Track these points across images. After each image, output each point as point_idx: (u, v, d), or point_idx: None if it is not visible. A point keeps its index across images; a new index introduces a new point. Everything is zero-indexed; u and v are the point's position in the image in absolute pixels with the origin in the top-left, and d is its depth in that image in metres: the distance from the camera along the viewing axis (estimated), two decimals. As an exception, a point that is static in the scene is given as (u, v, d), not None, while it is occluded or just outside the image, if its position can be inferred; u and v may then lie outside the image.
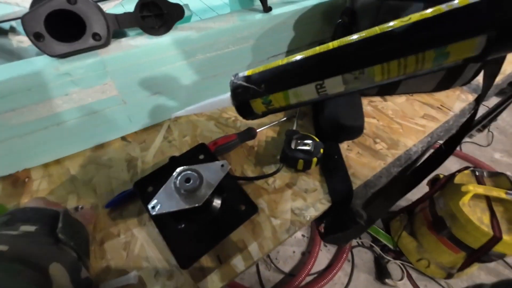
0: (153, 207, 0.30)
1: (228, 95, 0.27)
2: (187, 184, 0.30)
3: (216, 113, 0.51)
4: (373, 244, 1.18)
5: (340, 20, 0.46)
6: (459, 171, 0.93)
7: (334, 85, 0.22)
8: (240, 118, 0.49)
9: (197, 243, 0.33)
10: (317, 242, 1.16)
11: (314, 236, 1.19)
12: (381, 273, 1.10)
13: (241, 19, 0.44)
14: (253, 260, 0.32)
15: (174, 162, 0.41)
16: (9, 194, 0.40)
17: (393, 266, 1.12)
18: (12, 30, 0.45)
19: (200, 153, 0.41)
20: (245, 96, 0.25)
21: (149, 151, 0.45)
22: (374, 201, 0.43)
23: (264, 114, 0.27)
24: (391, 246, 1.15)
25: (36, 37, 0.33)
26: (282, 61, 0.25)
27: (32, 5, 0.34)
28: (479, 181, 0.88)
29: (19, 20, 0.43)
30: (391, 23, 0.20)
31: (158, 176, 0.38)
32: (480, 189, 0.83)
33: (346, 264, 1.15)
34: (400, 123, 0.47)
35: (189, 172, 0.31)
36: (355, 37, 0.21)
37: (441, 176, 0.99)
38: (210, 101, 0.29)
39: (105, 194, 0.39)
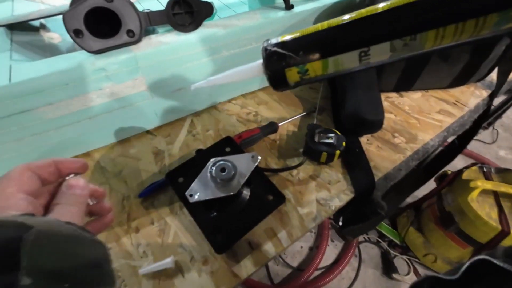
0: (191, 195, 0.32)
1: (257, 63, 0.25)
2: (223, 174, 0.32)
3: (237, 108, 0.53)
4: (379, 240, 1.19)
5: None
6: (467, 167, 0.95)
7: (380, 52, 0.20)
8: (260, 113, 0.51)
9: (230, 231, 0.34)
10: (324, 237, 1.18)
11: (321, 231, 1.21)
12: (388, 268, 1.11)
13: (264, 17, 0.45)
14: (283, 247, 0.34)
15: (201, 154, 0.42)
16: (43, 185, 0.41)
17: (400, 261, 1.14)
18: (43, 27, 0.47)
19: (227, 146, 0.42)
20: (280, 64, 0.23)
21: (175, 144, 0.47)
22: (388, 195, 0.45)
23: (296, 85, 0.25)
24: (397, 242, 1.16)
25: (75, 34, 0.35)
26: (322, 25, 0.22)
27: (72, 3, 0.36)
28: (487, 177, 0.90)
29: (48, 18, 0.45)
30: None
31: (188, 168, 0.40)
32: (489, 185, 0.84)
33: (353, 259, 1.16)
34: (417, 118, 0.49)
35: (223, 162, 0.33)
36: None
37: (449, 172, 1.01)
38: (236, 70, 0.27)
39: (136, 185, 0.41)
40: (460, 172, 0.95)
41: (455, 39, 0.19)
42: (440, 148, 0.58)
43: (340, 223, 0.48)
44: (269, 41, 0.24)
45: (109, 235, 0.36)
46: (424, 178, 0.69)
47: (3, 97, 0.33)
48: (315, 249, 1.17)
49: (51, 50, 0.44)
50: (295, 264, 1.15)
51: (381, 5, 0.20)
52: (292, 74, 0.23)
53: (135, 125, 0.46)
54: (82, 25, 0.35)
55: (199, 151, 0.43)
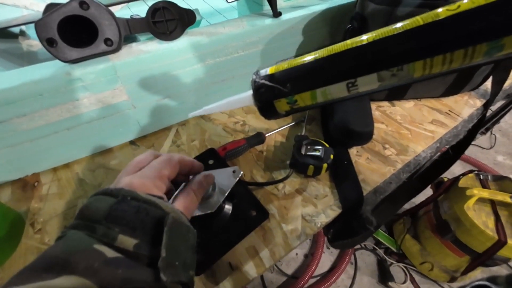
0: (166, 214, 0.30)
1: (248, 93, 0.25)
2: (200, 191, 0.30)
3: (224, 117, 0.51)
4: (376, 247, 1.18)
5: (349, 26, 0.46)
6: (464, 174, 0.93)
7: (368, 82, 0.21)
8: (248, 122, 0.49)
9: (209, 250, 0.33)
10: (320, 244, 1.16)
11: (317, 238, 1.19)
12: (384, 276, 1.09)
13: (250, 24, 0.44)
14: (265, 267, 0.32)
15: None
16: (19, 198, 0.40)
17: (396, 269, 1.12)
18: (22, 33, 0.46)
19: (210, 158, 0.41)
20: (269, 96, 0.24)
21: (158, 155, 0.45)
22: (381, 205, 0.43)
23: (287, 114, 0.26)
24: (394, 249, 1.15)
25: (49, 43, 0.33)
26: (308, 56, 0.23)
27: (45, 11, 0.34)
28: (484, 185, 0.88)
29: (29, 24, 0.43)
30: (438, 11, 0.18)
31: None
32: (485, 193, 0.83)
33: (349, 266, 1.15)
34: (408, 129, 0.47)
35: (201, 178, 0.31)
36: (395, 27, 0.19)
37: (445, 179, 0.99)
38: (229, 100, 0.27)
39: (115, 199, 0.39)
40: (456, 179, 0.94)
41: (445, 68, 0.19)
42: (434, 158, 0.56)
43: (329, 236, 0.46)
44: (258, 73, 0.25)
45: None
46: (418, 188, 0.67)
47: (-28, 109, 0.32)
48: (310, 256, 1.15)
49: (29, 58, 0.42)
50: (289, 271, 1.13)
51: (365, 37, 0.20)
52: (282, 104, 0.24)
53: (117, 136, 0.45)
54: (56, 33, 0.33)
55: (182, 163, 0.42)
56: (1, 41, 0.42)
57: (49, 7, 0.35)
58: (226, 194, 0.32)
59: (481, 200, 0.84)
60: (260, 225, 0.35)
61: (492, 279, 0.27)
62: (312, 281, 1.09)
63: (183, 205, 0.23)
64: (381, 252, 1.16)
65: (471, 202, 0.83)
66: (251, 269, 0.32)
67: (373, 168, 0.42)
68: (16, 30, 0.45)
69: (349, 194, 0.38)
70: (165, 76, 0.42)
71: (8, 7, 0.54)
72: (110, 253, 0.17)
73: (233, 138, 0.47)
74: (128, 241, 0.17)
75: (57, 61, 0.35)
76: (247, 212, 0.36)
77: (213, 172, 0.33)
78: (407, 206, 1.17)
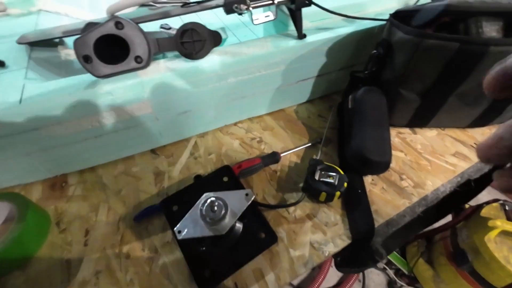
0: (179, 232, 0.32)
1: None
2: (213, 213, 0.31)
3: (242, 132, 0.52)
4: (386, 267, 1.15)
5: (375, 51, 0.45)
6: (487, 203, 0.89)
7: None
8: (265, 139, 0.50)
9: (217, 268, 0.34)
10: (328, 258, 1.15)
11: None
12: (393, 298, 1.06)
13: (274, 46, 0.45)
14: (269, 291, 0.33)
15: (199, 182, 0.42)
16: (48, 197, 0.43)
17: (406, 292, 1.09)
18: (61, 43, 0.49)
19: (225, 175, 0.42)
20: None
21: (176, 166, 0.47)
22: (392, 236, 0.42)
23: None
24: (405, 271, 1.11)
25: (85, 60, 0.35)
26: None
27: (83, 29, 0.37)
28: (509, 216, 0.83)
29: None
30: None
31: (183, 196, 0.40)
32: (509, 226, 0.78)
33: (357, 284, 1.12)
34: (429, 160, 0.46)
35: (215, 200, 0.32)
36: None
37: (467, 206, 0.95)
38: None
39: (133, 206, 0.42)
40: (479, 207, 0.89)
41: None
42: (455, 187, 0.54)
43: (337, 259, 0.46)
44: None
45: (101, 258, 0.36)
46: (435, 217, 0.65)
47: (13, 116, 0.35)
48: (317, 269, 1.14)
49: (66, 67, 0.45)
50: (295, 282, 1.13)
51: None
52: None
53: (139, 144, 0.47)
54: (92, 51, 0.35)
55: (197, 177, 0.43)
56: (42, 50, 0.46)
57: (88, 26, 0.37)
58: (237, 217, 0.33)
59: (504, 233, 0.79)
60: (268, 249, 0.36)
61: None
62: (317, 294, 1.08)
63: None
64: (391, 272, 1.13)
65: (493, 234, 0.78)
66: (255, 292, 0.33)
67: (387, 199, 0.41)
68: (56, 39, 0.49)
69: (360, 225, 0.38)
70: (188, 92, 0.43)
71: (50, 14, 0.59)
72: None
73: (248, 155, 0.48)
74: None
75: (89, 75, 0.38)
76: (256, 234, 0.37)
77: (226, 194, 0.34)
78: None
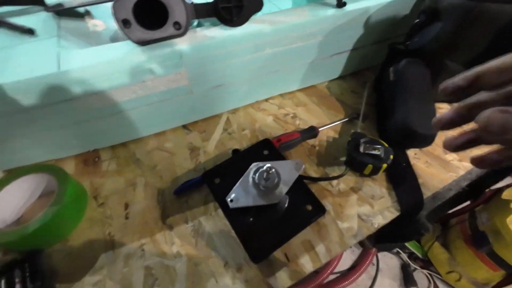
0: (231, 200, 0.31)
1: None
2: (267, 182, 0.30)
3: (274, 108, 0.51)
4: (400, 251, 1.15)
5: (417, 20, 0.43)
6: (508, 185, 0.88)
7: None
8: (299, 115, 0.49)
9: (266, 239, 0.33)
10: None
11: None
12: (407, 280, 1.07)
13: (313, 14, 0.42)
14: (321, 262, 0.32)
15: (238, 156, 0.41)
16: (81, 172, 0.42)
17: (420, 275, 1.10)
18: (87, 13, 0.47)
19: (265, 149, 0.41)
20: None
21: (210, 141, 0.46)
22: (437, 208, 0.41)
23: None
24: (419, 255, 1.12)
25: (124, 23, 0.34)
26: None
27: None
28: (530, 198, 0.83)
29: (94, 5, 0.44)
30: None
31: (224, 169, 0.39)
32: (532, 208, 0.78)
33: (371, 267, 1.13)
34: (471, 134, 0.45)
35: (268, 169, 0.31)
36: None
37: (487, 190, 0.94)
38: None
39: (171, 180, 0.41)
40: (499, 190, 0.88)
41: None
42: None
43: (371, 239, 0.45)
44: None
45: (144, 230, 0.36)
46: (467, 196, 0.64)
47: (51, 85, 0.33)
48: (331, 253, 1.15)
49: (95, 38, 0.43)
50: (309, 266, 1.14)
51: None
52: None
53: (172, 119, 0.46)
54: (131, 15, 0.34)
55: (235, 151, 0.42)
56: (70, 20, 0.43)
57: (125, -12, 0.35)
58: (289, 187, 0.32)
59: (526, 214, 0.79)
60: (316, 221, 0.35)
61: None
62: (332, 277, 1.09)
63: None
64: (405, 256, 1.14)
65: (515, 215, 0.78)
66: (307, 263, 0.32)
67: (433, 172, 0.40)
68: (81, 10, 0.47)
69: (408, 197, 0.37)
70: (224, 64, 0.42)
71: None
72: None
73: (283, 130, 0.47)
74: None
75: (127, 43, 0.36)
76: (303, 206, 0.36)
77: (275, 164, 0.33)
78: (437, 212, 1.12)
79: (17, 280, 0.31)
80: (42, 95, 0.34)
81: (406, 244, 1.13)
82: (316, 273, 1.08)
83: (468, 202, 0.97)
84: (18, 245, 0.33)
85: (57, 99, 0.35)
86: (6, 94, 0.32)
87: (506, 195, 0.84)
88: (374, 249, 1.13)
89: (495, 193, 0.89)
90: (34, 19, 0.42)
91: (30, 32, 0.39)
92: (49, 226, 0.32)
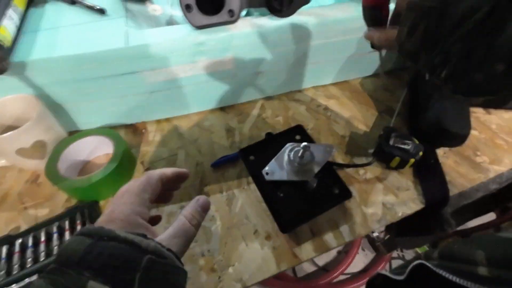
0: (267, 173, 0.34)
1: None
2: (302, 159, 0.33)
3: (307, 99, 0.53)
4: (415, 260, 1.13)
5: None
6: (540, 204, 0.84)
7: None
8: (331, 107, 0.51)
9: (295, 213, 0.36)
10: (356, 243, 1.15)
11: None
12: (420, 290, 1.06)
13: (357, 10, 0.44)
14: (344, 240, 0.35)
15: (272, 138, 0.44)
16: (131, 140, 0.47)
17: (434, 287, 1.08)
18: (148, -1, 0.52)
19: (297, 134, 0.44)
20: None
21: (245, 124, 0.49)
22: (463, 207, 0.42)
23: None
24: (435, 267, 1.09)
25: (187, 8, 0.38)
26: None
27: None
28: None
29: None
30: None
31: (259, 148, 0.42)
32: None
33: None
34: (505, 140, 0.45)
35: (302, 148, 0.34)
36: None
37: (515, 206, 0.90)
38: None
39: (209, 154, 0.44)
40: (529, 208, 0.85)
41: None
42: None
43: (388, 235, 0.47)
44: None
45: (184, 194, 0.40)
46: (490, 206, 0.63)
47: (119, 57, 0.38)
48: (344, 254, 1.15)
49: (154, 21, 0.48)
50: (321, 263, 1.15)
51: None
52: None
53: (213, 100, 0.50)
54: (193, 0, 0.38)
55: (269, 134, 0.45)
56: (134, 3, 0.49)
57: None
58: (320, 167, 0.35)
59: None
60: (341, 203, 0.37)
61: (428, 255, 0.28)
62: (342, 277, 1.10)
63: (170, 239, 0.20)
64: (420, 266, 1.12)
65: (544, 235, 0.75)
66: (331, 239, 0.35)
67: (461, 172, 0.41)
68: (142, -5, 0.52)
69: (434, 191, 0.38)
70: (267, 52, 0.45)
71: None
72: None
73: (315, 120, 0.49)
74: None
75: (185, 26, 0.40)
76: (330, 189, 0.38)
77: (310, 145, 0.36)
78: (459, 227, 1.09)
79: (78, 222, 0.36)
80: (111, 65, 0.39)
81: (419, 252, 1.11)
82: (326, 271, 1.09)
83: (494, 217, 0.94)
84: (81, 193, 0.38)
85: (123, 71, 0.40)
86: (83, 63, 0.37)
87: (536, 213, 0.81)
88: (388, 255, 1.12)
89: (524, 211, 0.85)
90: (104, 1, 0.47)
91: (101, 11, 0.44)
92: (108, 179, 0.37)
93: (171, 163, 0.44)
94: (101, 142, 0.42)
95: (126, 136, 0.48)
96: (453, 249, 0.26)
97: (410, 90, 0.51)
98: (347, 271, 1.11)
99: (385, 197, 0.39)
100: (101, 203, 0.39)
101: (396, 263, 1.14)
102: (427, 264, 0.25)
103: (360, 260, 1.16)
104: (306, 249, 0.34)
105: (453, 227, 0.39)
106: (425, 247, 1.10)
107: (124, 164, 0.40)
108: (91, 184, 0.36)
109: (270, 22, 0.42)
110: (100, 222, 0.20)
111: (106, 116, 0.46)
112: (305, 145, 0.34)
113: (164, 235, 0.21)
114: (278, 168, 0.35)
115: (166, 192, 0.27)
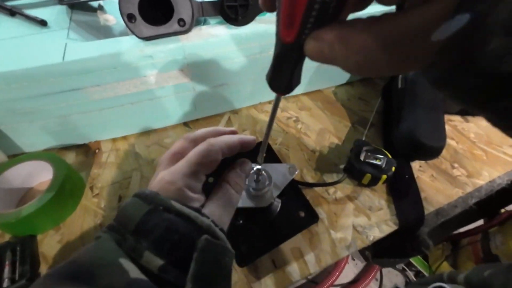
0: (219, 201, 0.30)
1: None
2: (256, 184, 0.30)
3: (277, 112, 0.50)
4: (406, 268, 1.10)
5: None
6: (527, 208, 0.82)
7: None
8: (302, 119, 0.48)
9: (255, 243, 0.32)
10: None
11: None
12: (411, 300, 1.02)
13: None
14: (309, 272, 0.31)
15: (236, 155, 0.40)
16: (82, 162, 0.43)
17: (426, 296, 1.04)
18: (100, 8, 0.48)
19: (261, 151, 0.40)
20: None
21: (209, 140, 0.45)
22: (438, 229, 0.39)
23: None
24: (426, 274, 1.06)
25: (129, 18, 0.34)
26: None
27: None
28: (551, 224, 0.77)
29: (106, 0, 0.45)
30: None
31: (220, 168, 0.38)
32: (552, 234, 0.72)
33: (374, 283, 1.09)
34: (484, 150, 0.42)
35: (258, 171, 0.30)
36: None
37: (502, 210, 0.88)
38: None
39: (166, 176, 0.40)
40: (516, 212, 0.83)
41: None
42: (503, 185, 0.50)
43: (367, 252, 0.43)
44: None
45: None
46: (476, 216, 0.60)
47: (56, 74, 0.34)
48: (333, 265, 1.12)
49: (105, 32, 0.44)
50: (310, 275, 1.11)
51: None
52: None
53: (174, 116, 0.46)
54: (136, 10, 0.34)
55: (232, 151, 0.41)
56: (82, 14, 0.45)
57: (133, -16, 0.35)
58: (280, 191, 0.31)
59: (545, 240, 0.73)
60: (307, 228, 0.34)
61: (453, 278, 0.23)
62: (332, 289, 1.06)
63: (218, 211, 0.20)
64: (411, 274, 1.09)
65: (532, 241, 0.73)
66: (294, 271, 0.31)
67: (438, 187, 0.38)
68: (95, 4, 0.48)
69: (408, 212, 0.35)
70: (228, 63, 0.41)
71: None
72: (134, 272, 0.15)
73: (284, 133, 0.46)
74: (154, 261, 0.16)
75: (132, 37, 0.37)
76: (295, 212, 0.35)
77: (269, 167, 0.32)
78: (448, 231, 1.07)
79: (7, 262, 0.32)
80: (47, 83, 0.35)
81: (413, 261, 1.08)
82: (315, 283, 1.05)
83: (481, 222, 0.91)
84: (12, 228, 0.33)
85: (62, 88, 0.35)
86: (13, 81, 0.33)
87: (523, 218, 0.79)
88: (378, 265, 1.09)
89: (511, 215, 0.83)
90: (49, 11, 0.43)
91: (43, 23, 0.40)
92: (43, 211, 0.33)
93: (124, 188, 0.39)
94: (41, 167, 0.37)
95: (77, 158, 0.43)
96: (483, 276, 0.21)
97: (384, 100, 0.48)
98: (337, 282, 1.07)
99: (356, 219, 0.35)
100: (39, 237, 0.35)
101: (386, 271, 1.11)
102: None
103: (350, 270, 1.13)
104: (267, 285, 0.30)
105: (431, 248, 0.35)
106: (422, 261, 1.07)
107: (65, 192, 0.35)
108: (22, 218, 0.31)
109: (226, 31, 0.39)
110: (152, 187, 0.19)
111: (52, 136, 0.42)
112: (258, 168, 0.30)
113: (212, 207, 0.20)
114: (232, 194, 0.31)
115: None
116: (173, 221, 0.17)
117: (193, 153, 0.20)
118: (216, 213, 0.19)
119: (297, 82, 0.18)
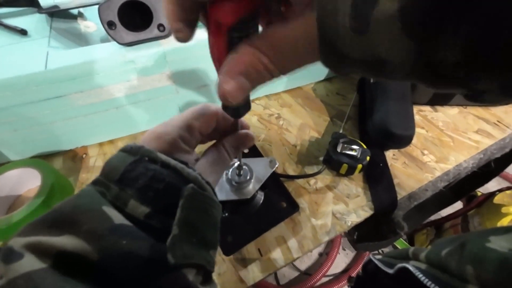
0: (205, 196, 0.32)
1: None
2: (238, 178, 0.31)
3: (259, 108, 0.52)
4: (394, 254, 1.15)
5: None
6: (501, 190, 0.88)
7: None
8: (283, 115, 0.50)
9: (240, 233, 0.34)
10: (336, 244, 1.15)
11: (333, 238, 1.18)
12: (400, 284, 1.07)
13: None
14: (293, 258, 0.33)
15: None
16: (69, 167, 0.43)
17: (414, 280, 1.09)
18: (80, 15, 0.49)
19: (245, 147, 0.42)
20: None
21: (195, 140, 0.47)
22: (411, 212, 0.42)
23: None
24: (413, 259, 1.11)
25: (109, 25, 0.35)
26: None
27: (106, -4, 0.36)
28: (522, 203, 0.82)
29: (86, 7, 0.46)
30: None
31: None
32: (523, 212, 0.77)
33: (364, 270, 1.13)
34: (451, 136, 0.45)
35: (240, 165, 0.32)
36: None
37: (479, 193, 0.94)
38: None
39: (154, 177, 0.42)
40: (492, 194, 0.88)
41: None
42: (473, 169, 0.53)
43: (354, 237, 0.46)
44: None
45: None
46: (451, 199, 0.64)
47: (39, 82, 0.35)
48: (325, 255, 1.15)
49: (86, 39, 0.45)
50: (303, 267, 1.14)
51: None
52: None
53: (159, 118, 0.47)
54: (116, 17, 0.35)
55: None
56: (62, 21, 0.45)
57: (111, -8, 0.37)
58: (261, 183, 0.33)
59: (517, 219, 0.78)
60: (290, 217, 0.36)
61: (416, 254, 0.25)
62: (324, 279, 1.09)
63: (208, 167, 0.20)
64: (399, 260, 1.13)
65: (506, 220, 0.78)
66: (279, 258, 0.33)
67: (410, 173, 0.41)
68: (74, 11, 0.49)
69: (383, 197, 0.38)
70: (209, 64, 0.43)
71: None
72: (118, 218, 0.15)
73: (267, 130, 0.48)
74: (139, 209, 0.15)
75: (114, 43, 0.38)
76: (278, 203, 0.37)
77: (250, 161, 0.34)
78: (432, 217, 1.12)
79: None
80: (30, 92, 0.35)
81: (398, 246, 1.13)
82: (308, 275, 1.08)
83: (461, 206, 0.97)
84: (2, 234, 0.34)
85: (46, 96, 0.36)
86: (-4, 90, 0.34)
87: (498, 199, 0.84)
88: (367, 252, 1.13)
89: (487, 198, 0.88)
90: (28, 20, 0.44)
91: (23, 32, 0.41)
92: (33, 217, 0.34)
93: (112, 190, 0.40)
94: (29, 174, 0.38)
95: (64, 163, 0.44)
96: (440, 256, 0.23)
97: (359, 94, 0.51)
98: (329, 272, 1.11)
99: (335, 207, 0.38)
100: (31, 242, 0.35)
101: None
102: (413, 271, 0.22)
103: (341, 260, 1.16)
104: (253, 271, 0.32)
105: (406, 230, 0.38)
106: (405, 244, 1.12)
107: (54, 197, 0.36)
108: (12, 225, 0.32)
109: (206, 34, 0.40)
110: (143, 140, 0.19)
111: (38, 144, 0.42)
112: (239, 163, 0.32)
113: (202, 162, 0.20)
114: (216, 188, 0.33)
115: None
116: (158, 171, 0.16)
117: (189, 110, 0.20)
118: (204, 169, 0.19)
119: (247, 109, 0.19)
